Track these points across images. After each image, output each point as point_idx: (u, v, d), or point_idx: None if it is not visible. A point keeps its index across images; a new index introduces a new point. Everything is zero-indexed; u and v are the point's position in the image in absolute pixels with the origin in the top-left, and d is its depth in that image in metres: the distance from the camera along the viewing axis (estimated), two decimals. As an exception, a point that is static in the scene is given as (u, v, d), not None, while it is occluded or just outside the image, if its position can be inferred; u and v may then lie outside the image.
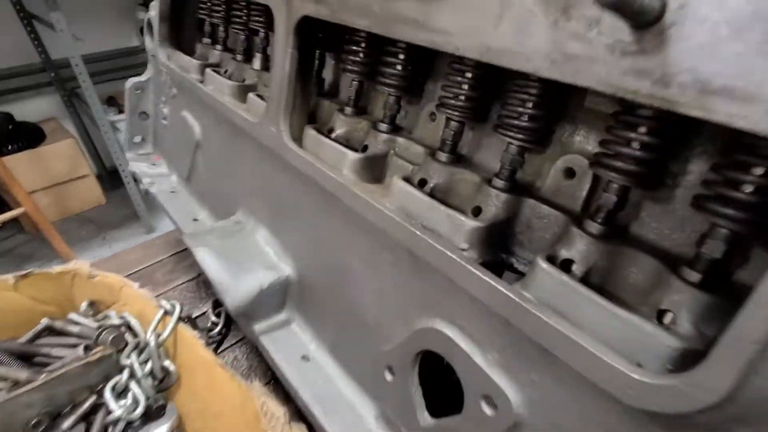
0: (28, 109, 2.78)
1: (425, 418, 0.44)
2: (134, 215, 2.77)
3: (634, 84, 0.25)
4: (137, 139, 0.92)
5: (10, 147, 2.45)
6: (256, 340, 0.55)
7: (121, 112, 2.90)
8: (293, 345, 0.51)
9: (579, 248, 0.35)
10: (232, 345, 0.68)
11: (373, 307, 0.47)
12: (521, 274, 0.42)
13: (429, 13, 0.35)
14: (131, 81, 0.88)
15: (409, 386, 0.44)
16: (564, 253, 0.36)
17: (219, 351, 0.68)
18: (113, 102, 2.97)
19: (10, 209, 2.30)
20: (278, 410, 0.49)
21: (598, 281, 0.35)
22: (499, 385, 0.36)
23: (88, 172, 2.83)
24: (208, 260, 0.54)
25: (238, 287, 0.52)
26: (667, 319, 0.32)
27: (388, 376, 0.47)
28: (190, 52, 0.86)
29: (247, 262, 0.55)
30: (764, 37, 0.22)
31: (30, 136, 2.59)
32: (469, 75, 0.43)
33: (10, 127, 2.53)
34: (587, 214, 0.38)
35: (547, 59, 0.29)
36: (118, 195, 2.97)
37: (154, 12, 0.81)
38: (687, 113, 0.25)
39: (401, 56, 0.50)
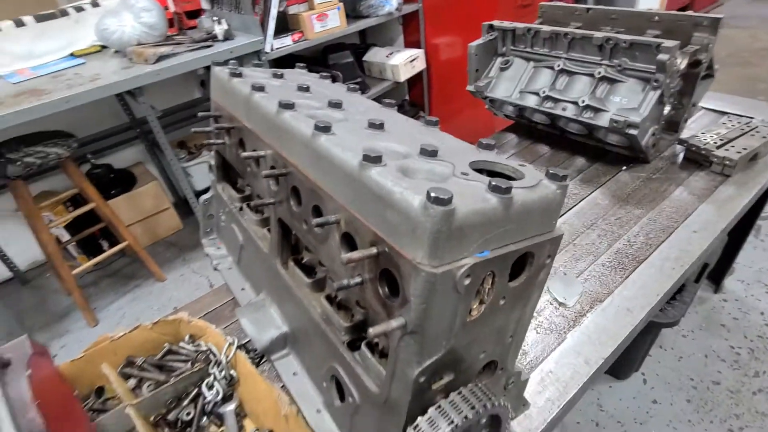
0: (121, 158, 3.53)
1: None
2: (205, 239, 3.43)
3: None
4: (208, 231, 1.47)
5: (112, 192, 3.19)
6: (273, 363, 1.07)
7: (190, 153, 3.57)
8: (288, 366, 1.00)
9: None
10: (264, 362, 1.22)
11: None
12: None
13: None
14: (203, 198, 1.42)
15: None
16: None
17: (258, 365, 1.21)
18: (183, 145, 3.65)
19: (116, 241, 3.04)
20: (284, 398, 1.00)
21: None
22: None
23: (168, 205, 3.55)
24: (247, 325, 1.05)
25: (262, 339, 1.03)
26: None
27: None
28: (235, 181, 1.39)
29: (266, 324, 1.06)
30: None
31: (125, 181, 3.32)
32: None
33: (111, 175, 3.27)
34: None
35: None
36: (191, 220, 3.67)
37: (213, 162, 1.35)
38: None
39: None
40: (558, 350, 1.16)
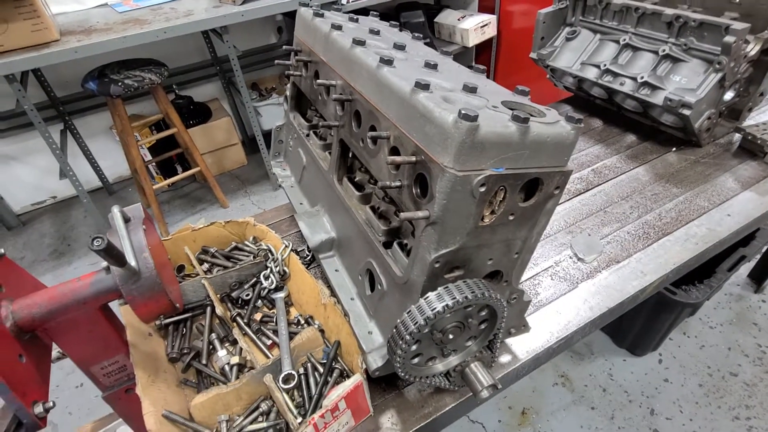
0: (200, 93, 3.86)
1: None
2: (266, 175, 3.75)
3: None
4: (277, 154, 1.70)
5: (191, 122, 3.52)
6: (321, 262, 1.28)
7: (261, 95, 3.83)
8: (332, 264, 1.21)
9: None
10: (312, 266, 1.44)
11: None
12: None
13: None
14: (276, 124, 1.63)
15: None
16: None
17: (309, 267, 1.44)
18: (255, 87, 3.91)
19: (189, 167, 3.39)
20: (325, 290, 1.22)
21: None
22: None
23: (237, 141, 3.86)
24: (303, 227, 1.26)
25: (314, 239, 1.24)
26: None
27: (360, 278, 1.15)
28: (305, 111, 1.59)
29: (318, 229, 1.27)
30: None
31: (203, 113, 3.65)
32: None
33: (191, 107, 3.60)
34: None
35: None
36: (255, 158, 3.98)
37: (288, 93, 1.55)
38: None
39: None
40: (568, 296, 1.29)
